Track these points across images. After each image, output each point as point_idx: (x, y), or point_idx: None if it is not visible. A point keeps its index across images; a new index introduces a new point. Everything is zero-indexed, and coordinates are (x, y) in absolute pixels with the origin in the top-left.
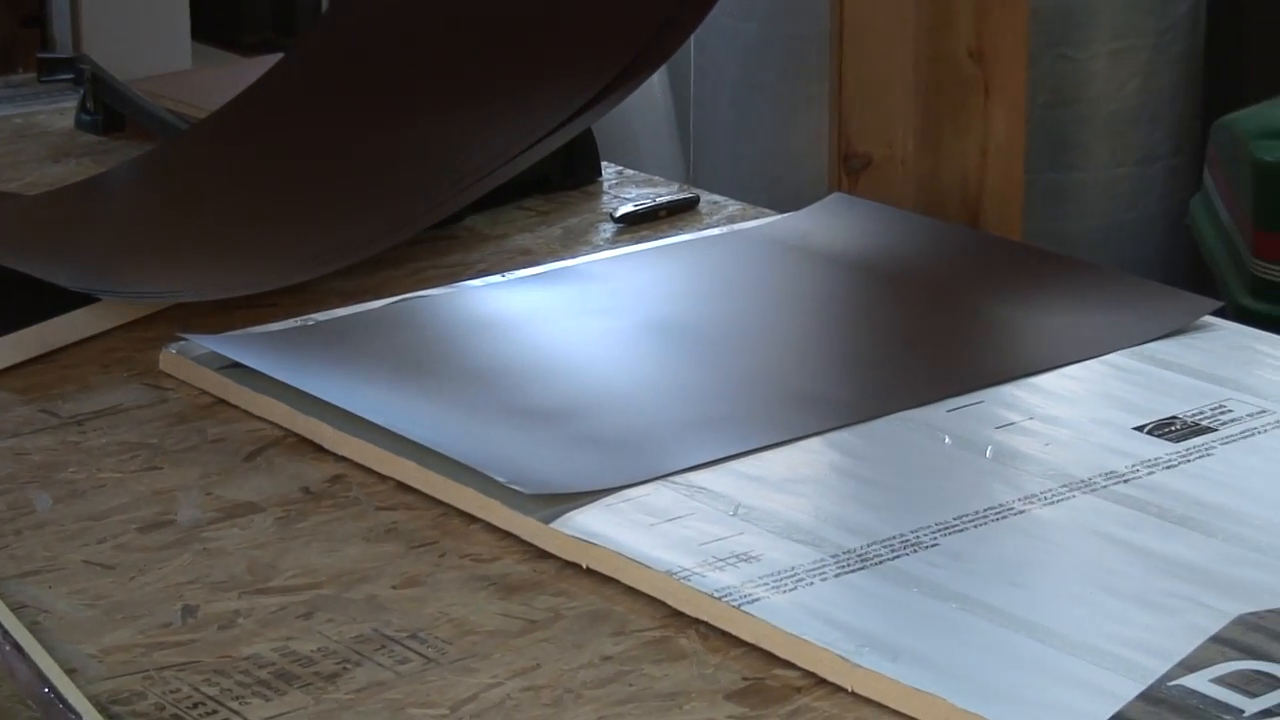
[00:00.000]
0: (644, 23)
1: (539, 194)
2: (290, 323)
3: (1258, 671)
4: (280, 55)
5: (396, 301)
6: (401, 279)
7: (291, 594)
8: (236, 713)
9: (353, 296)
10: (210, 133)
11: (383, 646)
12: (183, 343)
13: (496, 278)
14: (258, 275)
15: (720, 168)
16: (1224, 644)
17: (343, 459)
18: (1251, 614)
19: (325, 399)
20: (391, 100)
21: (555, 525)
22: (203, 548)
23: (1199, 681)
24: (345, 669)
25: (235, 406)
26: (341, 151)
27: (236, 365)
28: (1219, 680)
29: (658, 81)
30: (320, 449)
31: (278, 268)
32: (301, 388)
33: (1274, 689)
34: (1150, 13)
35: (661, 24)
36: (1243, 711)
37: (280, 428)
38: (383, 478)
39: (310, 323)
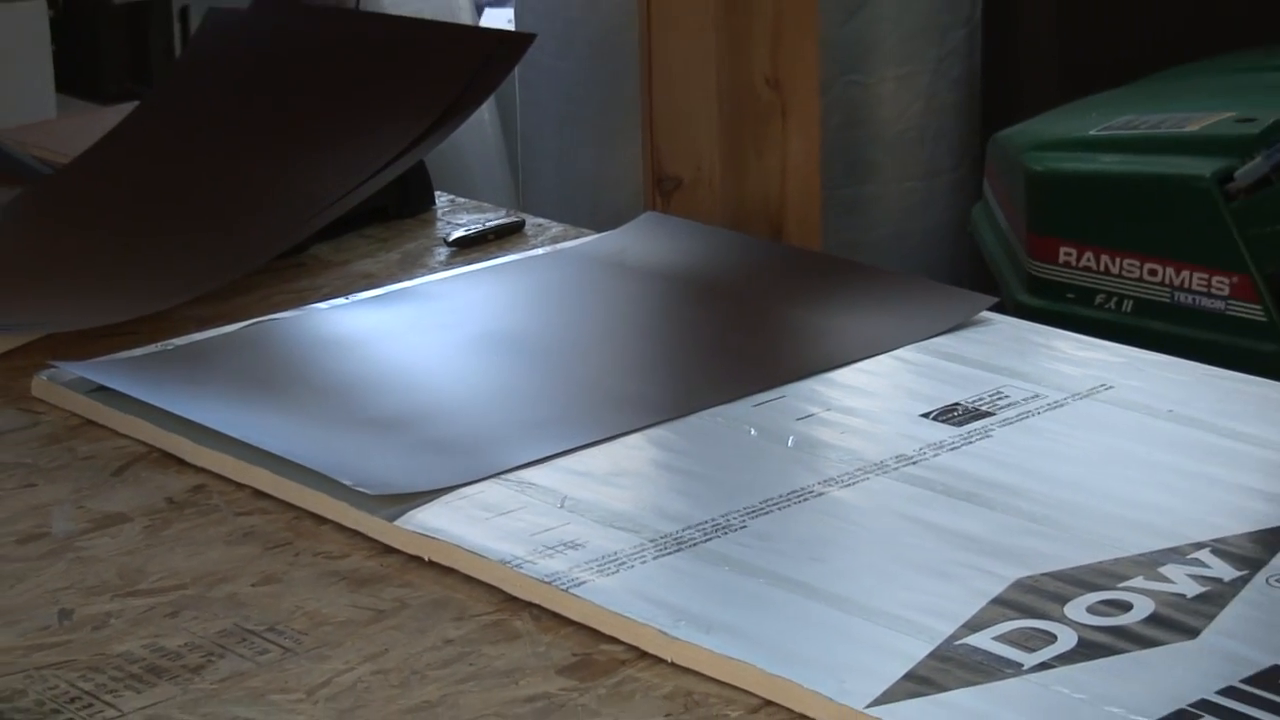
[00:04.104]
0: (464, 66)
1: (378, 222)
2: (152, 348)
3: (1034, 629)
4: (136, 103)
5: (249, 325)
6: (253, 305)
7: (159, 595)
8: (111, 705)
9: (209, 322)
10: (74, 176)
11: (244, 639)
12: (53, 369)
13: (341, 300)
14: (121, 305)
15: (548, 193)
16: (1004, 605)
17: (203, 470)
18: (1028, 577)
19: (186, 416)
20: (239, 143)
21: (399, 523)
22: (76, 556)
23: (983, 640)
24: (210, 661)
25: (103, 426)
26: (195, 190)
27: (103, 389)
28: (1001, 638)
29: (488, 117)
30: (182, 462)
31: (139, 298)
32: (164, 407)
33: (1049, 644)
34: (930, 41)
35: (480, 66)
36: (1022, 665)
37: (145, 444)
38: (240, 486)
39: (170, 347)
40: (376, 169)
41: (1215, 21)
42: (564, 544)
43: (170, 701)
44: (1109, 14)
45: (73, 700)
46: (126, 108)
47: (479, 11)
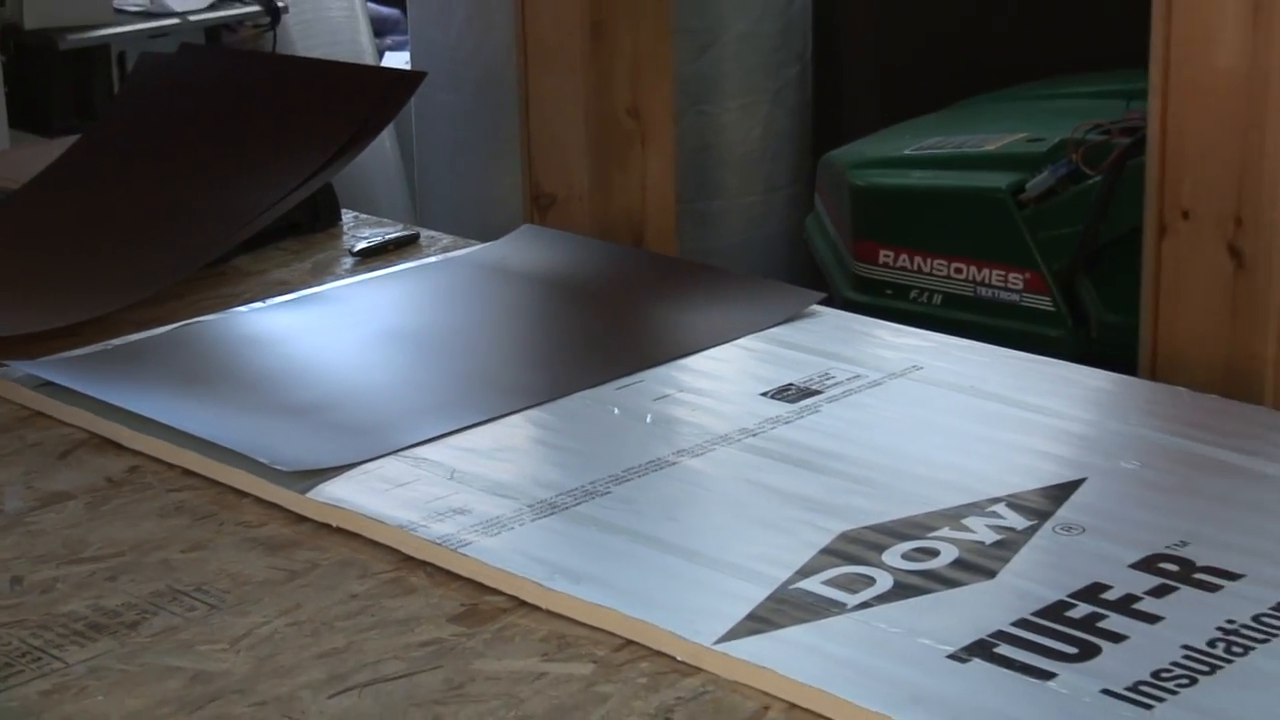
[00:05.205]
0: (365, 100)
1: (292, 236)
2: (93, 348)
3: (856, 574)
4: (79, 136)
5: (180, 327)
6: (183, 309)
7: (100, 562)
8: (58, 658)
9: (144, 324)
10: (23, 200)
11: (174, 599)
12: (4, 368)
13: (259, 304)
14: (66, 311)
15: (441, 209)
16: (830, 554)
17: (139, 453)
18: (851, 530)
19: (123, 406)
20: (169, 169)
21: (310, 495)
22: (26, 530)
23: (813, 584)
24: (145, 618)
25: (50, 416)
26: (131, 210)
27: (50, 384)
28: (828, 582)
29: (389, 143)
30: (120, 446)
31: (82, 304)
32: (104, 398)
33: (869, 586)
34: (767, 75)
35: (379, 100)
36: (845, 605)
37: (87, 431)
38: (171, 466)
39: (109, 347)
40: (289, 190)
41: (1011, 59)
42: (453, 510)
43: (110, 654)
44: (921, 53)
45: (24, 655)
46: (70, 140)
47: (380, 54)
